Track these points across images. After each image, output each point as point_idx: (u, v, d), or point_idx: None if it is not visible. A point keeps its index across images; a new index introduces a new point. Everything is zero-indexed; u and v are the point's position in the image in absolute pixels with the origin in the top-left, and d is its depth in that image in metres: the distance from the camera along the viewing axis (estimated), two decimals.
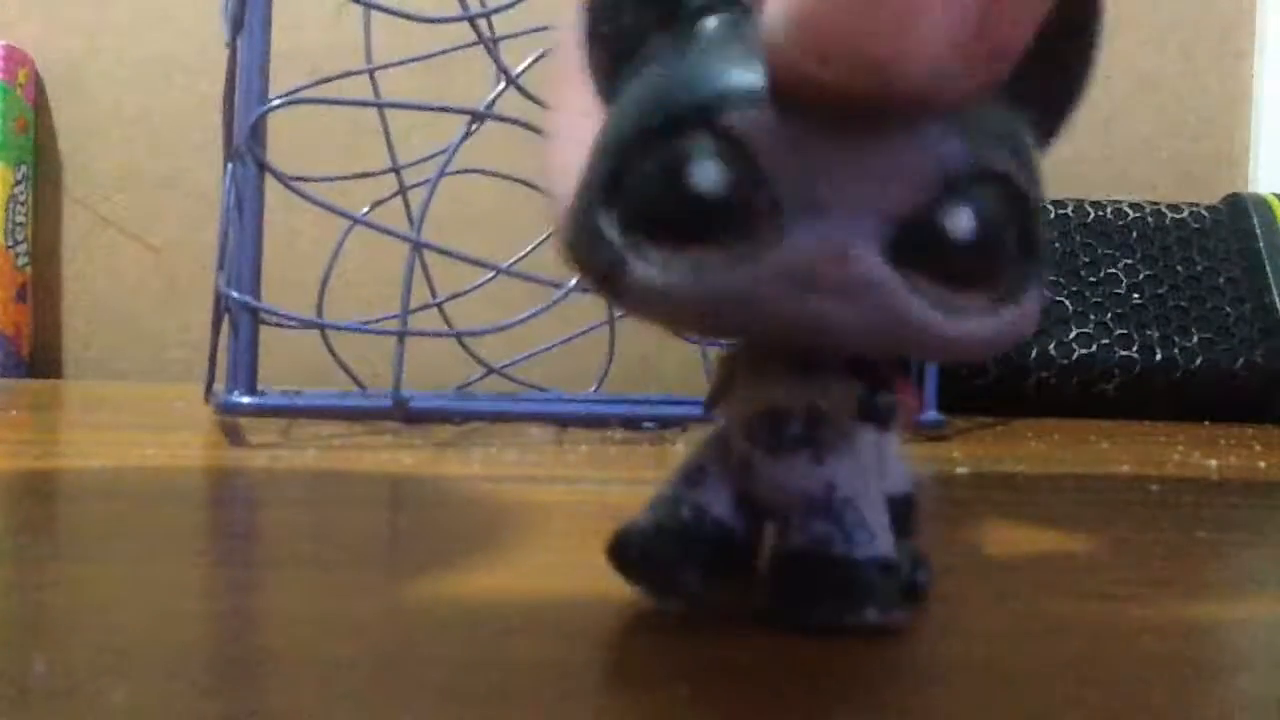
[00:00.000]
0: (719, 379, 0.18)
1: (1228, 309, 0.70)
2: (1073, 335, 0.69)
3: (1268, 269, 0.72)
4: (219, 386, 0.48)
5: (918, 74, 0.13)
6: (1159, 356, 0.68)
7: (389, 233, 0.48)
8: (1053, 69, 0.16)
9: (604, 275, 0.15)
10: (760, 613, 0.17)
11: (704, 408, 0.18)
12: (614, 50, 0.16)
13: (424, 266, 0.55)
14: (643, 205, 0.15)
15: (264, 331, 0.47)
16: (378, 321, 0.60)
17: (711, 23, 0.15)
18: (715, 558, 0.17)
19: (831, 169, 0.14)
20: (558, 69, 0.18)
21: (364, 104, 0.55)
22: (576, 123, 0.17)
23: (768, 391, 0.17)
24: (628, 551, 0.18)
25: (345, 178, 0.57)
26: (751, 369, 0.17)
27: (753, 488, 0.17)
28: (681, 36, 0.15)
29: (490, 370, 0.58)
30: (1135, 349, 0.68)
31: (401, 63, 0.52)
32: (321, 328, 0.53)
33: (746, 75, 0.14)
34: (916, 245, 0.14)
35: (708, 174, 0.14)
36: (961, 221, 0.14)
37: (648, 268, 0.15)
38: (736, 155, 0.14)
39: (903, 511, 0.19)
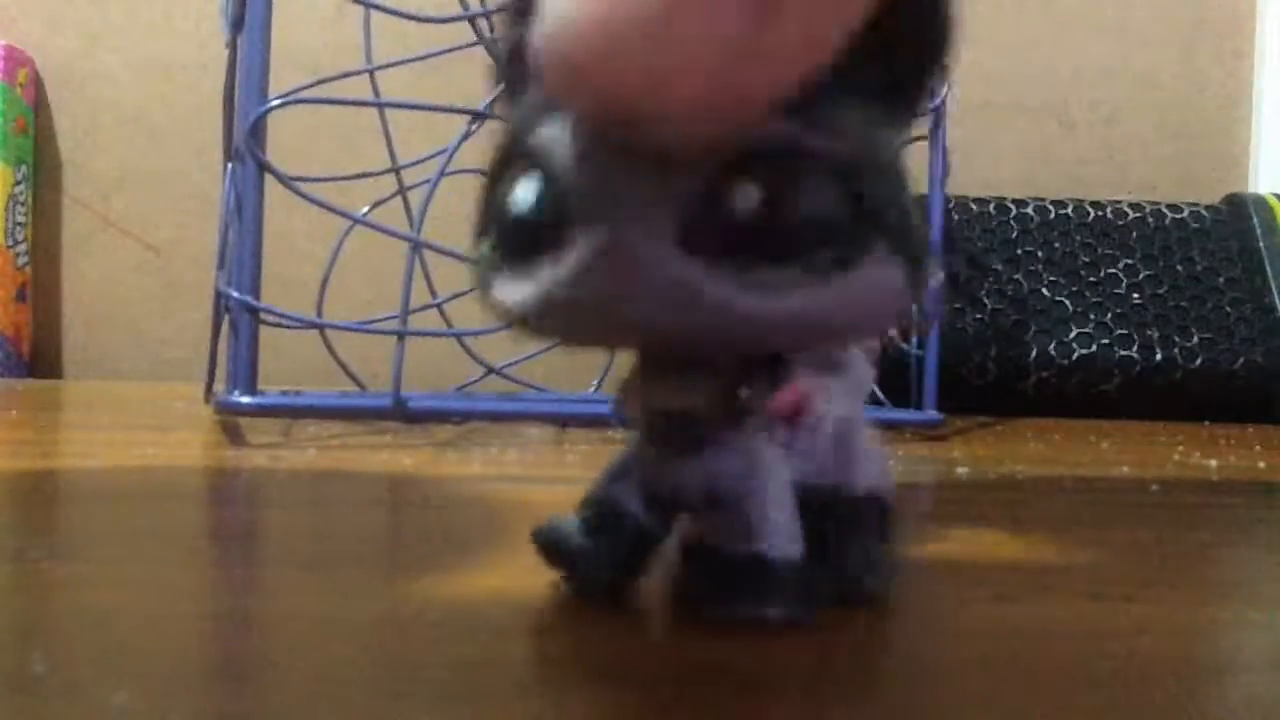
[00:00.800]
0: (625, 381, 0.19)
1: (1228, 309, 0.70)
2: (1073, 335, 0.69)
3: (1268, 269, 0.72)
4: (219, 386, 0.48)
5: (668, 122, 0.13)
6: (1159, 356, 0.68)
7: (389, 233, 0.48)
8: (896, 42, 0.16)
9: (482, 296, 0.17)
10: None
11: (612, 409, 0.19)
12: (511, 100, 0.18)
13: (424, 266, 0.55)
14: (494, 232, 0.16)
15: (264, 331, 0.47)
16: (378, 321, 0.60)
17: None
18: (627, 550, 0.18)
19: (612, 170, 0.15)
20: None
21: (364, 104, 0.55)
22: None
23: (654, 393, 0.18)
24: (543, 543, 0.19)
25: (345, 178, 0.57)
26: (643, 372, 0.18)
27: (654, 486, 0.18)
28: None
29: (490, 370, 0.58)
30: (1135, 349, 0.68)
31: (401, 62, 0.52)
32: (321, 328, 0.53)
33: (547, 102, 0.16)
34: (710, 228, 0.15)
35: (520, 194, 0.16)
36: (744, 198, 0.15)
37: (498, 287, 0.16)
38: (540, 173, 0.15)
39: (864, 511, 0.19)
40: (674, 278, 0.15)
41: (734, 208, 0.15)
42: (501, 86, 0.18)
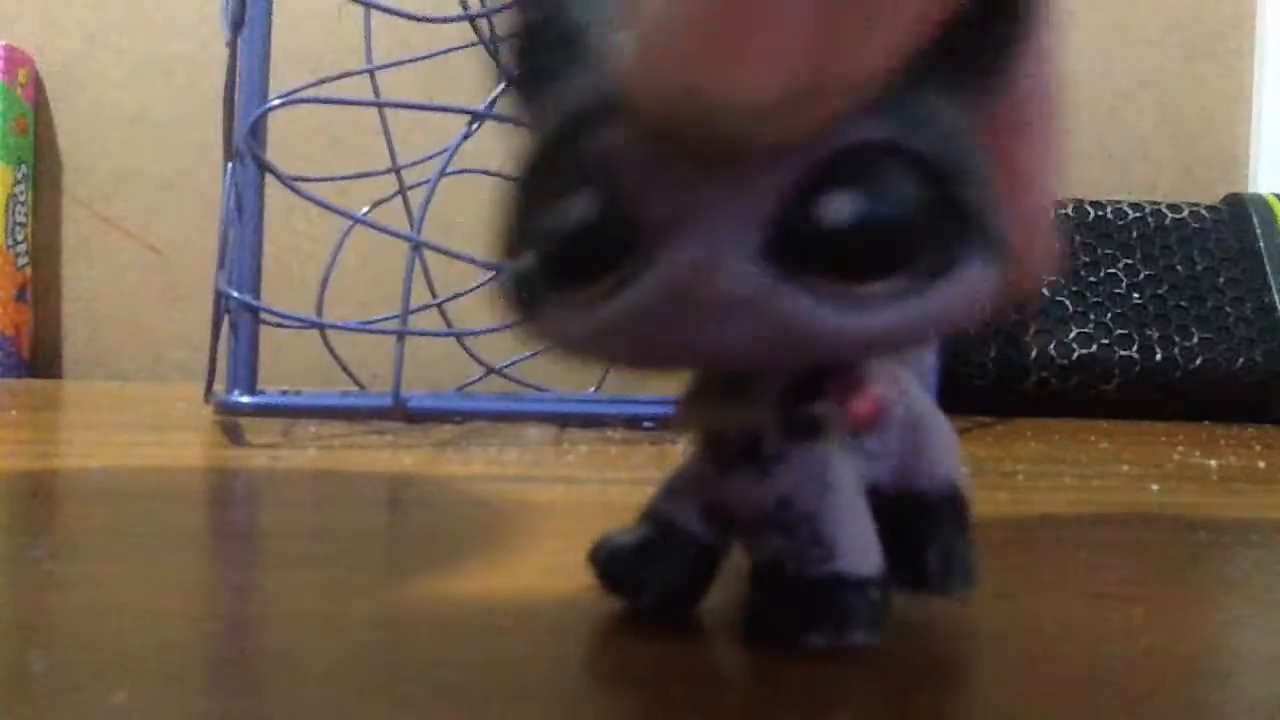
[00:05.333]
0: (684, 392, 0.18)
1: (1228, 309, 0.70)
2: (1073, 335, 0.69)
3: (1268, 269, 0.72)
4: (219, 386, 0.48)
5: (747, 112, 0.12)
6: (1159, 356, 0.68)
7: (389, 233, 0.48)
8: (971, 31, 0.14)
9: (523, 322, 0.15)
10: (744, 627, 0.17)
11: (670, 425, 0.18)
12: (528, 95, 0.15)
13: (424, 266, 0.55)
14: (537, 252, 0.14)
15: (264, 331, 0.47)
16: (377, 321, 0.60)
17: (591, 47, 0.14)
18: (682, 568, 0.18)
19: (690, 179, 0.13)
20: None
21: (364, 104, 0.55)
22: None
23: (710, 410, 0.17)
24: (598, 561, 0.18)
25: (345, 178, 0.57)
26: (698, 387, 0.17)
27: (714, 502, 0.17)
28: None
29: (490, 370, 0.58)
30: (1135, 349, 0.68)
31: (401, 63, 0.52)
32: (321, 328, 0.53)
33: (600, 99, 0.14)
34: (799, 241, 0.13)
35: (575, 209, 0.14)
36: (839, 206, 0.13)
37: (550, 311, 0.14)
38: (600, 180, 0.14)
39: (939, 509, 0.18)
40: (756, 297, 0.13)
41: (826, 218, 0.13)
42: (506, 85, 0.16)
